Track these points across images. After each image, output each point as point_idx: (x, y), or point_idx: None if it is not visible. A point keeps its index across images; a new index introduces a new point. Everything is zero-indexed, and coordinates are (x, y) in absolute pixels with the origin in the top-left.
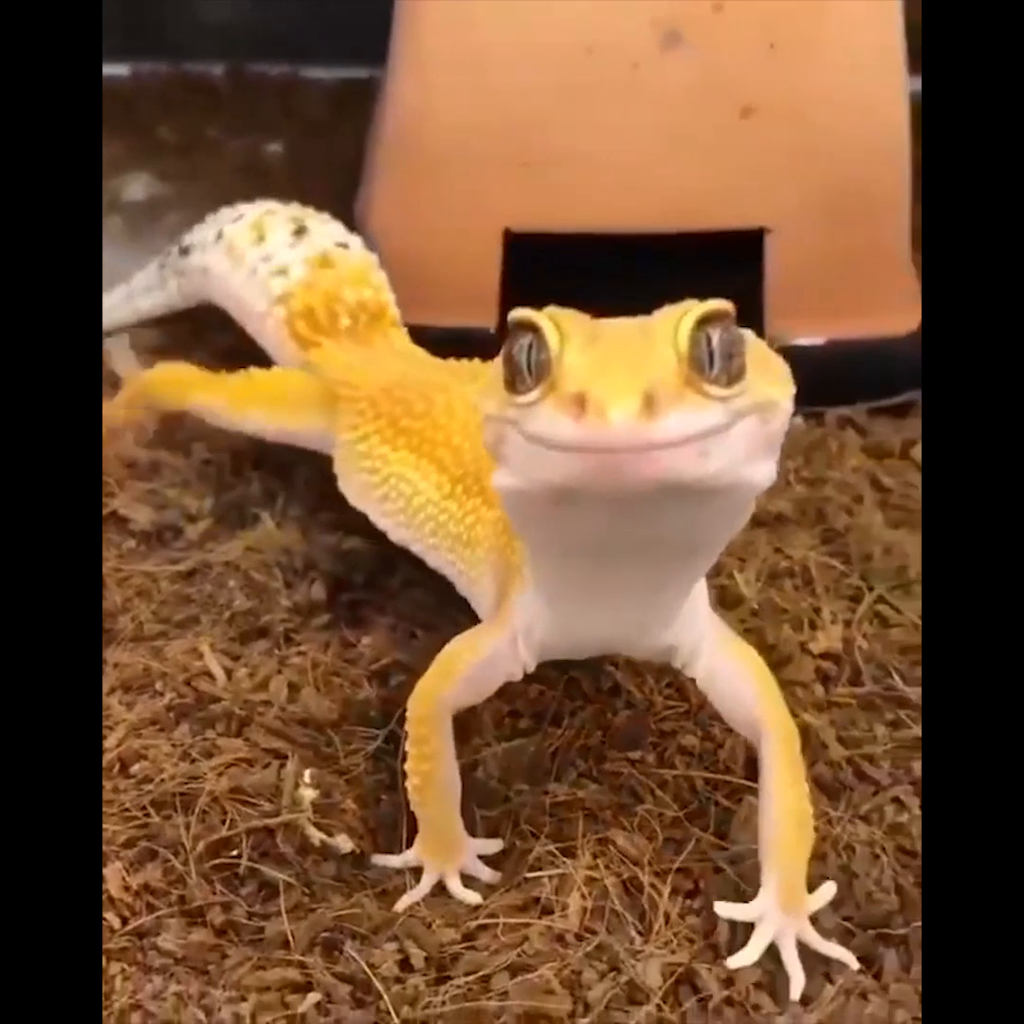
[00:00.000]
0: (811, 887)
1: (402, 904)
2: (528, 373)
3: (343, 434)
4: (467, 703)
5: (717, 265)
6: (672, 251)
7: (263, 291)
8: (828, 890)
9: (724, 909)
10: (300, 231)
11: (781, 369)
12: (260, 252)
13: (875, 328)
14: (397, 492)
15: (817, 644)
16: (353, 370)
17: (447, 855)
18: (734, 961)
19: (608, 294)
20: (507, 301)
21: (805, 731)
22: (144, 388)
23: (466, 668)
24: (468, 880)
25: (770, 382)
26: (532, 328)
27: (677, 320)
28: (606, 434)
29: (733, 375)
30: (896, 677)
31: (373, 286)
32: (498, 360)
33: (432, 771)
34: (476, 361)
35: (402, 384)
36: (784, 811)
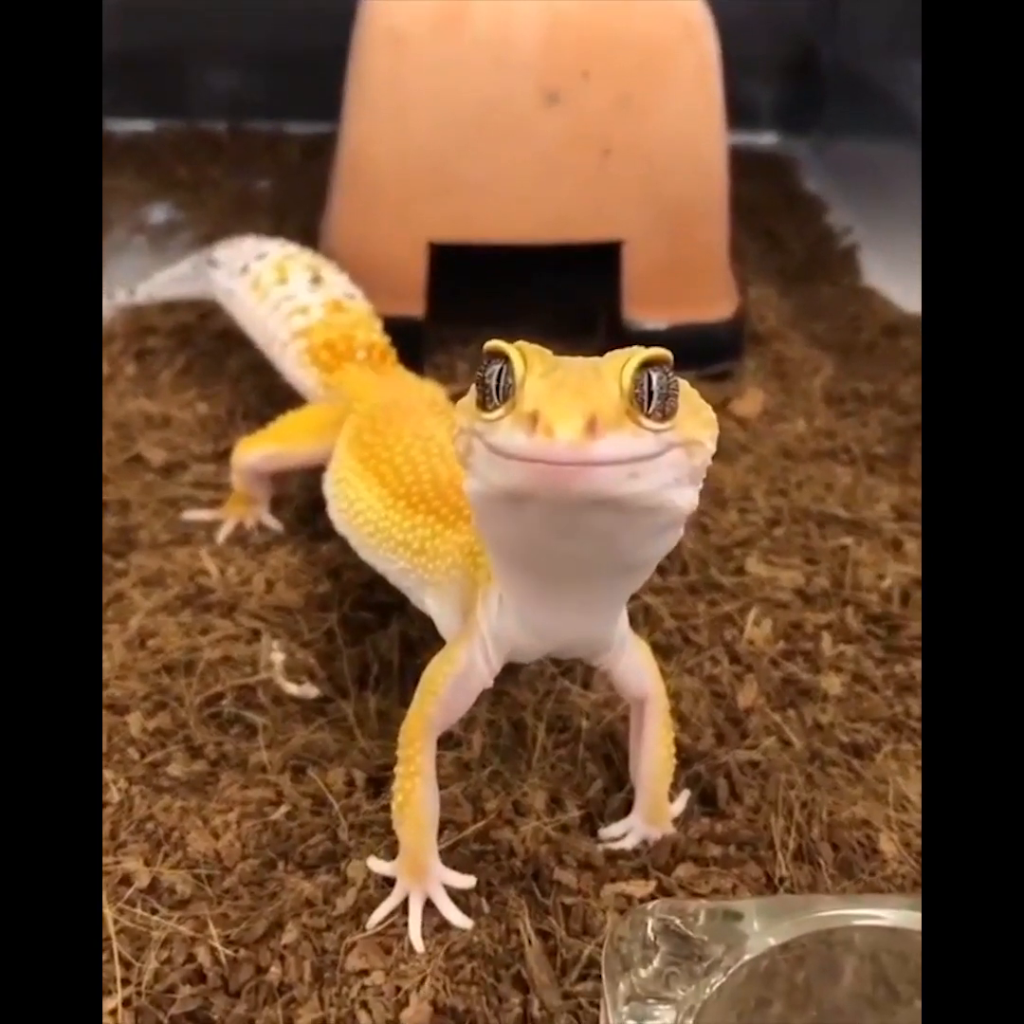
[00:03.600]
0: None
1: (375, 918)
2: (496, 394)
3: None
4: (451, 720)
5: (586, 268)
6: (553, 257)
7: (286, 324)
8: (682, 797)
9: (605, 832)
10: (316, 279)
11: (708, 416)
12: (283, 292)
13: (702, 315)
14: (343, 494)
15: None
16: (367, 389)
17: (416, 878)
18: (605, 836)
19: (507, 288)
20: (431, 296)
21: (646, 609)
22: (239, 477)
23: (448, 682)
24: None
25: (697, 425)
26: (503, 357)
27: (624, 361)
28: (552, 448)
29: (666, 413)
30: (713, 569)
31: (376, 330)
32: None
33: (414, 789)
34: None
35: (385, 406)
36: (657, 758)
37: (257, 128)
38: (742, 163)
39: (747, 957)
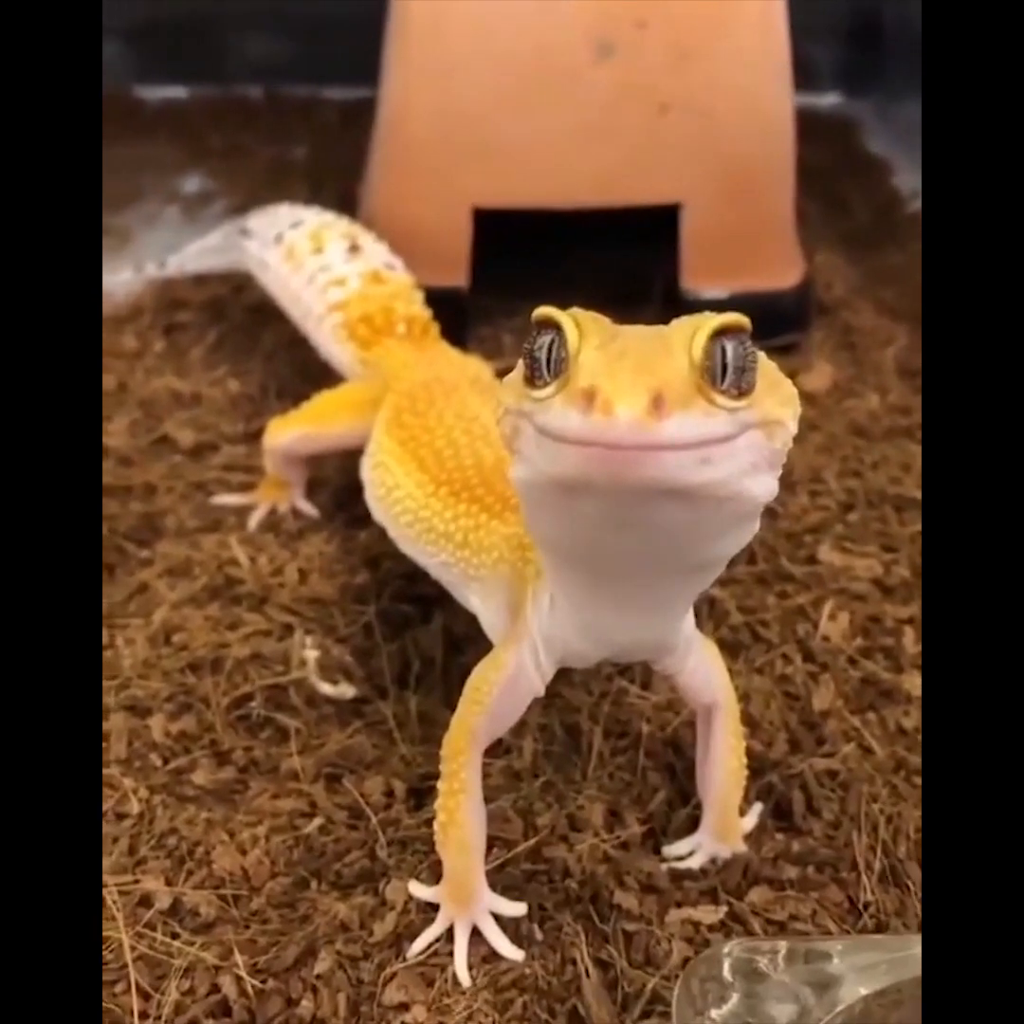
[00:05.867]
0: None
1: (417, 946)
2: (547, 369)
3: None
4: (498, 731)
5: (642, 233)
6: (606, 222)
7: (321, 297)
8: (754, 812)
9: (670, 850)
10: (354, 248)
11: (790, 392)
12: (319, 262)
13: (766, 283)
14: (380, 479)
15: None
16: (407, 366)
17: (461, 905)
18: (670, 854)
19: (556, 256)
20: (475, 265)
21: (711, 602)
22: (271, 459)
23: (494, 689)
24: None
25: (777, 402)
26: (554, 326)
27: (694, 329)
28: (611, 430)
29: (743, 389)
30: (783, 558)
31: (417, 302)
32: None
33: (458, 807)
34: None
35: (426, 383)
36: (727, 770)
37: (293, 93)
38: (803, 124)
39: (840, 1007)
